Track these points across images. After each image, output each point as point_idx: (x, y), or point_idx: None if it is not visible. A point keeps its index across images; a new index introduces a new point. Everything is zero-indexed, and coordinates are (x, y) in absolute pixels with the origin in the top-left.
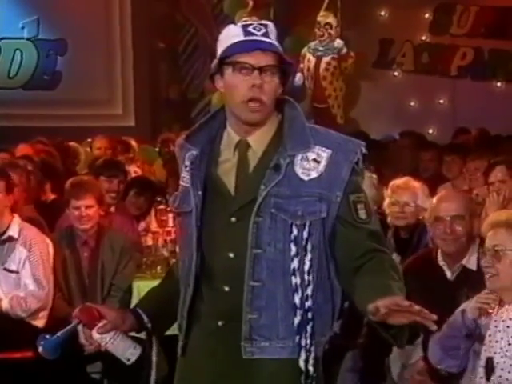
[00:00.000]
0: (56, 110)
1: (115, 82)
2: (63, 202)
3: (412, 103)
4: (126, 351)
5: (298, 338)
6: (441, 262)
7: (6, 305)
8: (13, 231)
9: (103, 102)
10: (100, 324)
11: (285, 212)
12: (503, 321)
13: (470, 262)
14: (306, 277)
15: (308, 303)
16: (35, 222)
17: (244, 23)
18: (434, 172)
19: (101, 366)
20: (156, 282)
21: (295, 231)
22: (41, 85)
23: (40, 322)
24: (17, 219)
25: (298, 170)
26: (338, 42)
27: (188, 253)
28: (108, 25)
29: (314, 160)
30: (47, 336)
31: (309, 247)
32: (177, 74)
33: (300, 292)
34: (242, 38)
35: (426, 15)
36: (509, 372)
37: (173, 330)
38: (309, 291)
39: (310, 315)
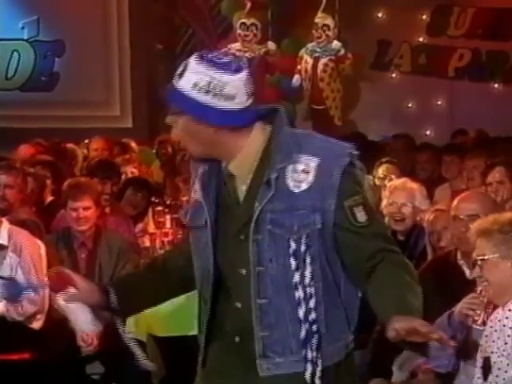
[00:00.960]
0: (53, 111)
1: (113, 83)
2: (61, 203)
3: (409, 104)
4: (87, 324)
5: (303, 351)
6: (460, 261)
7: (1, 308)
8: (2, 239)
9: (101, 104)
10: (68, 292)
11: (281, 227)
12: (499, 320)
13: None
14: (307, 290)
15: (312, 316)
16: (31, 224)
17: None
18: (431, 173)
19: (100, 367)
20: None
21: (293, 245)
22: (38, 86)
23: (37, 325)
24: (5, 224)
25: (290, 183)
26: (336, 44)
27: (203, 266)
28: (105, 26)
29: (303, 171)
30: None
31: (308, 260)
32: (174, 75)
33: (303, 306)
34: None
35: (424, 16)
36: (506, 371)
37: (172, 332)
38: (311, 304)
39: (314, 328)
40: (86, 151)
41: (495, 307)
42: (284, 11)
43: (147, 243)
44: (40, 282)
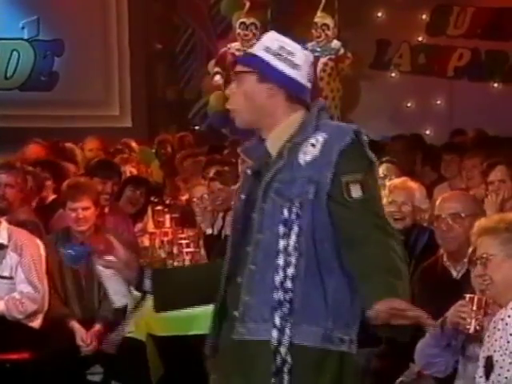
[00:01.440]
0: (53, 110)
1: (112, 82)
2: (60, 203)
3: (409, 104)
4: (116, 295)
5: (272, 317)
6: (446, 263)
7: (1, 307)
8: (2, 238)
9: (100, 103)
10: (108, 258)
11: (281, 196)
12: (502, 319)
13: None
14: (288, 258)
15: (287, 284)
16: (30, 223)
17: None
18: (430, 173)
19: (99, 367)
20: None
21: (285, 213)
22: (38, 85)
23: (36, 323)
24: (4, 225)
25: (300, 156)
26: (335, 43)
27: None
28: (105, 26)
29: (312, 145)
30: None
31: (295, 229)
32: (174, 75)
33: (281, 272)
34: None
35: (423, 16)
36: (508, 370)
37: (171, 332)
38: (289, 272)
39: (287, 297)
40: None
41: (486, 314)
42: (283, 10)
43: (146, 243)
44: (40, 282)
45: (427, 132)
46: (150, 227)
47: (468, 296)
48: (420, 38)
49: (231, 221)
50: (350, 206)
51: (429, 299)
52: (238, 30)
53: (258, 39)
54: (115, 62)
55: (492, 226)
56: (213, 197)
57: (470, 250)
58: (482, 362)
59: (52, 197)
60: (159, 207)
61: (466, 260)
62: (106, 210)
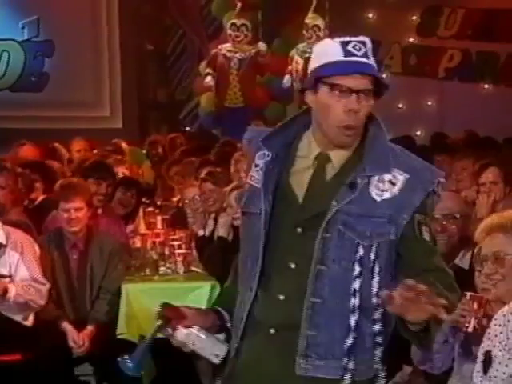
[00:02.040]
0: (43, 111)
1: (103, 83)
2: (53, 204)
3: (400, 105)
4: (214, 347)
5: (345, 359)
6: None
7: (14, 292)
8: (0, 237)
9: (91, 104)
10: (185, 323)
11: (352, 231)
12: (504, 315)
13: (464, 261)
14: (374, 300)
15: (377, 327)
16: (23, 224)
17: (343, 40)
18: None
19: (89, 368)
20: (145, 285)
21: (361, 251)
22: (28, 86)
23: (30, 321)
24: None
25: (372, 191)
26: None
27: (251, 254)
28: (95, 26)
29: (390, 182)
30: (126, 358)
31: (376, 269)
32: (165, 76)
33: (357, 314)
34: (341, 57)
35: (414, 17)
36: (506, 366)
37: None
38: (377, 315)
39: (379, 339)
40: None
41: (485, 313)
42: (274, 12)
43: (138, 244)
44: (44, 277)
45: (418, 133)
46: (142, 228)
47: (469, 294)
48: (411, 39)
49: (247, 208)
50: (422, 244)
51: None
52: (229, 31)
53: (248, 40)
54: (106, 63)
55: (508, 223)
56: (204, 198)
57: (477, 247)
58: (480, 357)
59: (41, 198)
60: (150, 208)
61: (456, 261)
62: (99, 211)
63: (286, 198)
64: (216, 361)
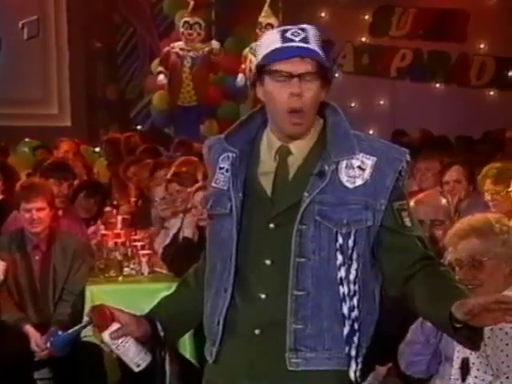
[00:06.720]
0: None
1: (50, 81)
2: (14, 204)
3: (352, 104)
4: (137, 357)
5: (347, 348)
6: None
7: None
8: None
9: (38, 102)
10: (113, 328)
11: (329, 220)
12: None
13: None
14: (351, 287)
15: (354, 313)
16: None
17: (282, 28)
18: None
19: (48, 372)
20: (109, 287)
21: (340, 240)
22: None
23: None
24: None
25: (343, 178)
26: None
27: (221, 257)
28: (43, 23)
29: (359, 167)
30: (59, 332)
31: (354, 256)
32: (114, 74)
33: (348, 302)
34: (279, 44)
35: (366, 17)
36: (485, 372)
37: None
38: (355, 301)
39: (356, 326)
40: (55, 152)
41: None
42: (227, 10)
43: (100, 245)
44: None
45: (370, 132)
46: (102, 229)
47: None
48: (363, 39)
49: (212, 210)
50: (404, 234)
51: None
52: (182, 30)
53: (201, 39)
54: (53, 60)
55: (483, 227)
56: (171, 198)
57: (449, 252)
58: (457, 364)
59: (0, 198)
60: (108, 208)
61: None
62: (60, 212)
63: (254, 194)
64: (136, 370)
